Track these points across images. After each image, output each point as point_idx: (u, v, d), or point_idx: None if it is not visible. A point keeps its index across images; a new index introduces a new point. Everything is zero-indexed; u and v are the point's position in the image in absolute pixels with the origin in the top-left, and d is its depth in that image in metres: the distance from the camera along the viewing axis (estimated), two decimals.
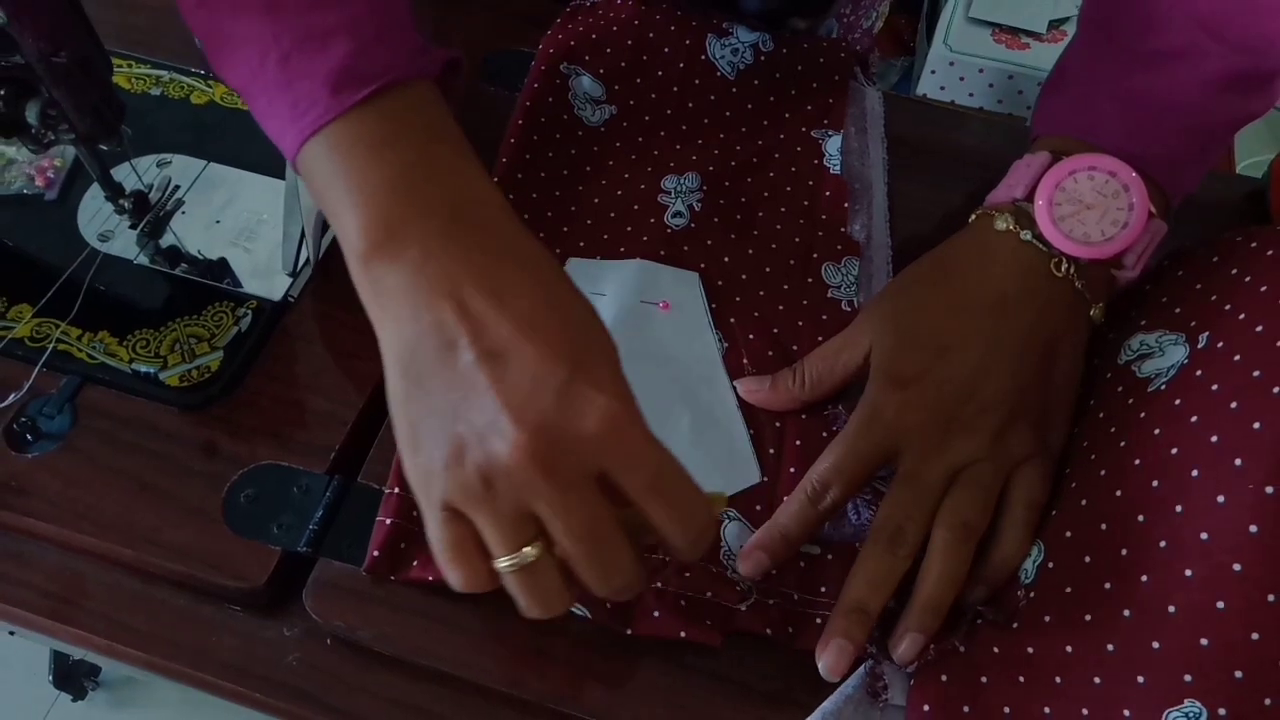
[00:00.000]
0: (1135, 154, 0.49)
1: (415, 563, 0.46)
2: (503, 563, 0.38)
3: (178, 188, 0.58)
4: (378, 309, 0.39)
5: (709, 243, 0.57)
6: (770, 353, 0.53)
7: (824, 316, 0.55)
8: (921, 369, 0.47)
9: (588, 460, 0.36)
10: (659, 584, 0.46)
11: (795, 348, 0.54)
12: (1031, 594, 0.44)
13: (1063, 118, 0.52)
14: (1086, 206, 0.48)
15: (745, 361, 0.53)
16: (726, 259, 0.57)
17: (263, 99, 0.42)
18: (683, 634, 0.45)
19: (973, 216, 0.51)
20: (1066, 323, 0.49)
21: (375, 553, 0.46)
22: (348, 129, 0.40)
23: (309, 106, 0.40)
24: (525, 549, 0.37)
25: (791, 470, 0.50)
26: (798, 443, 0.51)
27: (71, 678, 1.31)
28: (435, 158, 0.41)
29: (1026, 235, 0.48)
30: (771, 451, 0.51)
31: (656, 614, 0.45)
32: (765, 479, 0.50)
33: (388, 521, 0.47)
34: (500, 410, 0.36)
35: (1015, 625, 0.43)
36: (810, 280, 0.56)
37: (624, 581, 0.38)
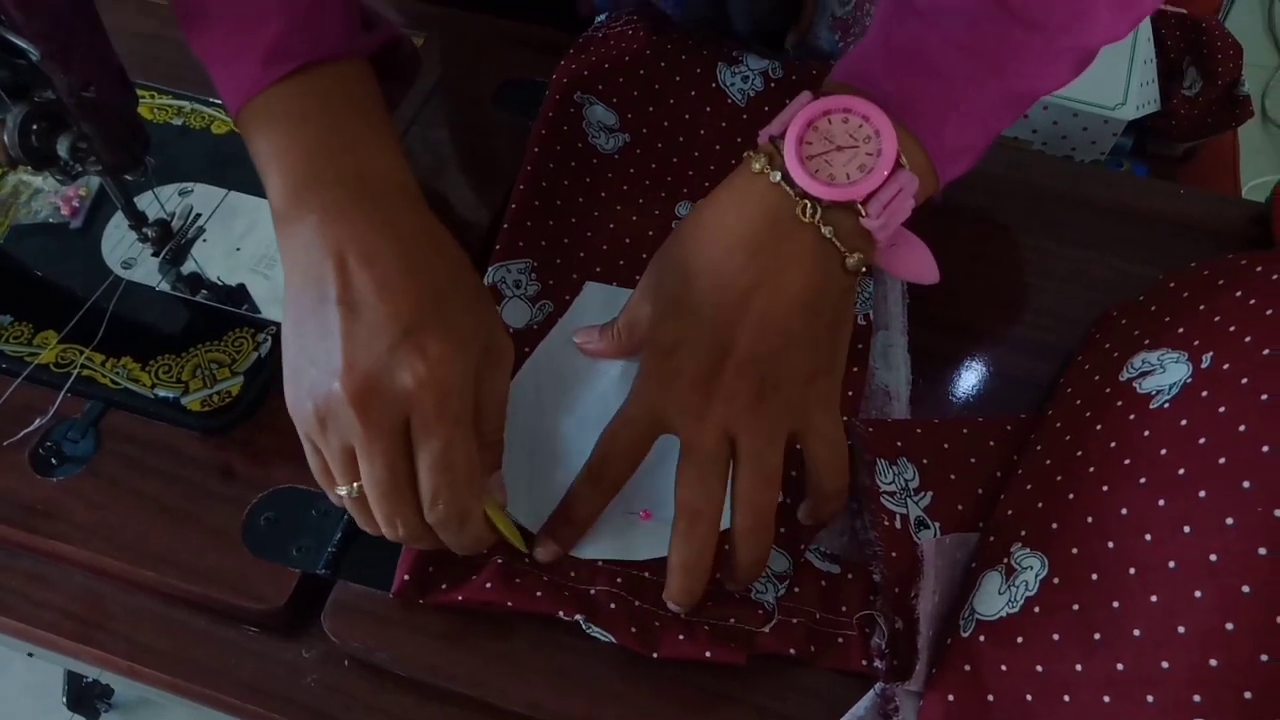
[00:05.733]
0: (898, 104, 0.47)
1: (444, 585, 0.47)
2: (340, 490, 0.43)
3: (199, 216, 0.59)
4: (285, 262, 0.44)
5: None
6: None
7: None
8: (679, 337, 0.47)
9: (398, 413, 0.41)
10: (682, 614, 0.47)
11: None
12: (1036, 608, 0.44)
13: (845, 65, 0.50)
14: (837, 148, 0.46)
15: None
16: None
17: (214, 68, 0.47)
18: (708, 654, 0.45)
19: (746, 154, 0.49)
20: (819, 273, 0.47)
21: (405, 576, 0.47)
22: (272, 102, 0.45)
23: (243, 79, 0.45)
24: (355, 484, 0.43)
25: None
26: None
27: (85, 700, 1.32)
28: (346, 134, 0.45)
29: (776, 177, 0.46)
30: (793, 474, 0.51)
31: (681, 637, 0.46)
32: (787, 500, 0.50)
33: None
34: (340, 354, 0.41)
35: (1020, 640, 0.44)
36: None
37: (407, 534, 0.43)
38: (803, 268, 0.46)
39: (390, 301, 0.41)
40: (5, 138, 0.46)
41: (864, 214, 0.46)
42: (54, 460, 0.52)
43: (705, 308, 0.46)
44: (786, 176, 0.46)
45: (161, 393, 0.54)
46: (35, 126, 0.46)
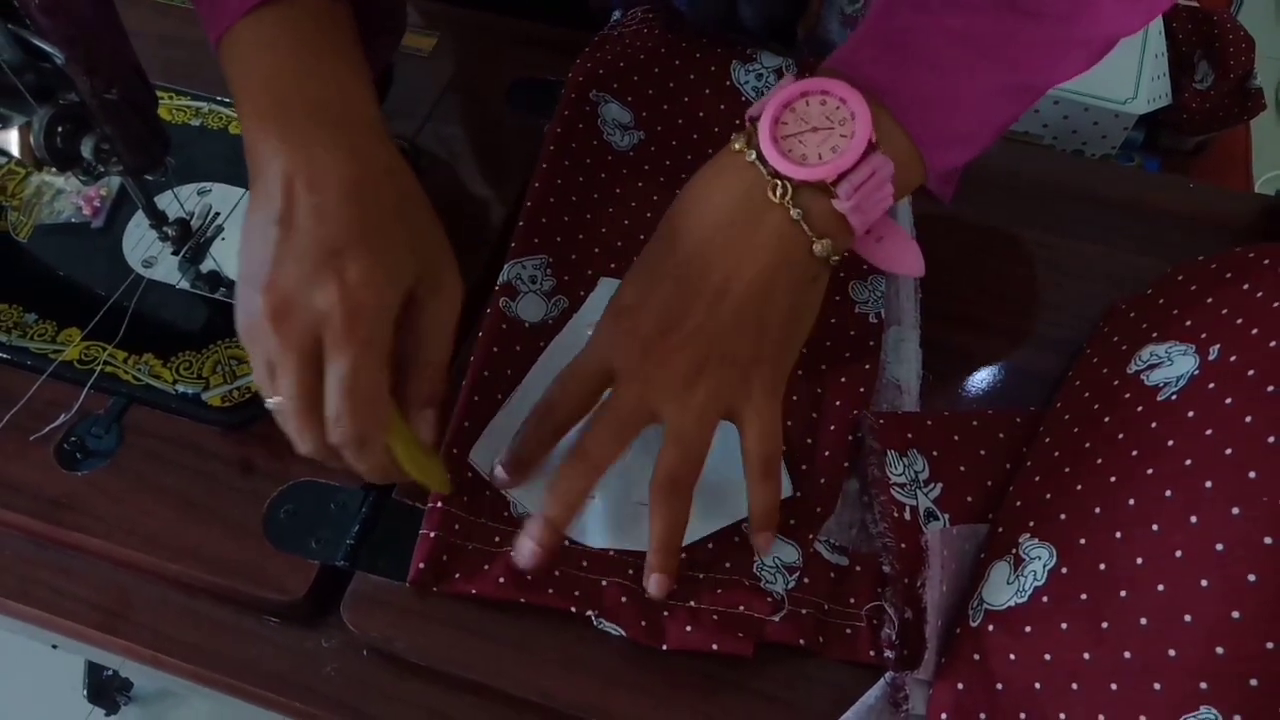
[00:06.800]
0: (881, 88, 0.46)
1: (457, 575, 0.48)
2: (267, 402, 0.45)
3: (218, 215, 0.60)
4: (250, 183, 0.46)
5: None
6: (799, 371, 0.54)
7: (851, 333, 0.56)
8: (637, 300, 0.48)
9: (310, 331, 0.43)
10: (692, 602, 0.48)
11: (824, 367, 0.55)
12: (1044, 598, 0.45)
13: (838, 52, 0.50)
14: (812, 129, 0.46)
15: None
16: None
17: (199, 5, 0.48)
18: (714, 646, 0.46)
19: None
20: (782, 257, 0.47)
21: (420, 564, 0.48)
22: (246, 31, 0.46)
23: (222, 11, 0.46)
24: (276, 396, 0.44)
25: (822, 481, 0.51)
26: (826, 454, 0.52)
27: (105, 692, 1.34)
28: (313, 62, 0.46)
29: (751, 156, 0.46)
30: (804, 467, 0.52)
31: (689, 629, 0.47)
32: (798, 493, 0.51)
33: (431, 534, 0.48)
34: (268, 270, 0.43)
35: (1028, 630, 0.44)
36: (838, 299, 0.58)
37: (312, 451, 0.45)
38: (766, 249, 0.46)
39: (323, 225, 0.43)
40: (31, 140, 0.47)
41: (835, 196, 0.46)
42: (78, 455, 0.53)
43: (667, 277, 0.47)
44: (760, 155, 0.46)
45: (182, 388, 0.55)
46: (60, 128, 0.47)
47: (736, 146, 0.47)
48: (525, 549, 0.47)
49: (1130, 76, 0.83)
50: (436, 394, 0.48)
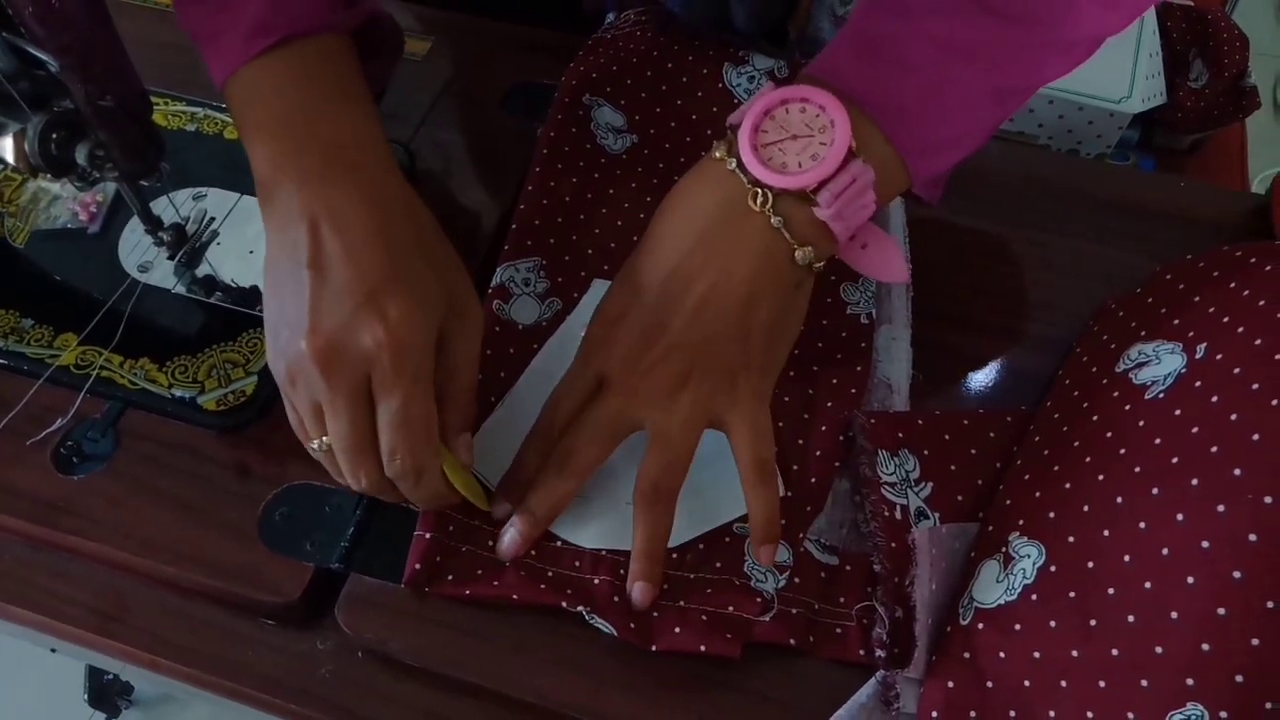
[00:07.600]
0: (862, 96, 0.47)
1: (451, 577, 0.48)
2: (312, 443, 0.46)
3: (213, 220, 0.61)
4: (266, 227, 0.46)
5: None
6: (791, 372, 0.54)
7: (843, 334, 0.57)
8: (623, 310, 0.48)
9: (359, 372, 0.43)
10: (681, 602, 0.48)
11: (815, 368, 0.55)
12: (1033, 596, 0.45)
13: (818, 59, 0.50)
14: (792, 136, 0.46)
15: None
16: None
17: (201, 45, 0.48)
18: (702, 648, 0.46)
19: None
20: (764, 265, 0.47)
21: (416, 565, 0.48)
22: (253, 75, 0.47)
23: (227, 54, 0.47)
24: (324, 437, 0.45)
25: (812, 481, 0.52)
26: (817, 453, 0.52)
27: (105, 697, 1.34)
28: (322, 104, 0.47)
29: (731, 164, 0.47)
30: (795, 467, 0.52)
31: (678, 630, 0.47)
32: (789, 493, 0.51)
33: (426, 536, 0.49)
34: (307, 314, 0.43)
35: (1018, 628, 0.44)
36: (829, 301, 0.58)
37: (370, 486, 0.46)
38: (748, 258, 0.47)
39: (355, 266, 0.43)
40: (26, 146, 0.47)
41: (816, 204, 0.46)
42: (75, 459, 0.53)
43: (651, 287, 0.48)
44: (740, 164, 0.47)
45: (178, 392, 0.55)
46: (54, 135, 0.48)
47: (717, 155, 0.48)
48: (506, 537, 0.48)
49: (1125, 75, 0.83)
50: (470, 418, 0.48)
